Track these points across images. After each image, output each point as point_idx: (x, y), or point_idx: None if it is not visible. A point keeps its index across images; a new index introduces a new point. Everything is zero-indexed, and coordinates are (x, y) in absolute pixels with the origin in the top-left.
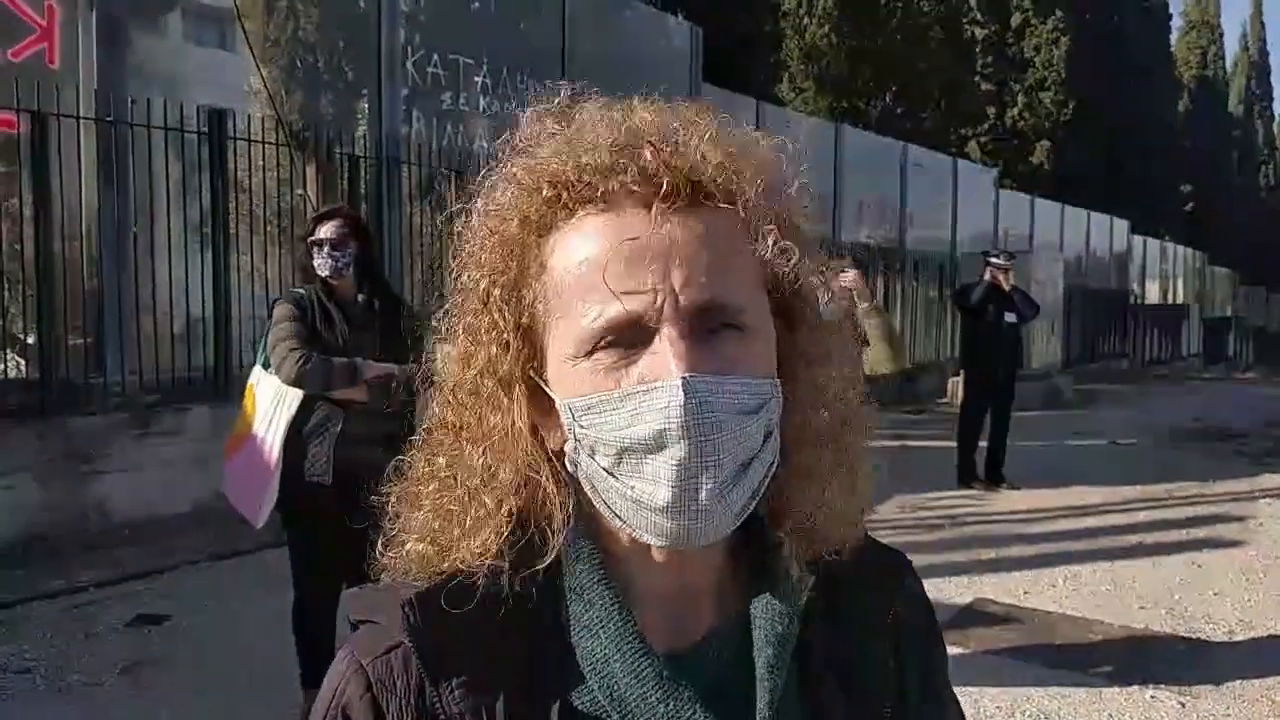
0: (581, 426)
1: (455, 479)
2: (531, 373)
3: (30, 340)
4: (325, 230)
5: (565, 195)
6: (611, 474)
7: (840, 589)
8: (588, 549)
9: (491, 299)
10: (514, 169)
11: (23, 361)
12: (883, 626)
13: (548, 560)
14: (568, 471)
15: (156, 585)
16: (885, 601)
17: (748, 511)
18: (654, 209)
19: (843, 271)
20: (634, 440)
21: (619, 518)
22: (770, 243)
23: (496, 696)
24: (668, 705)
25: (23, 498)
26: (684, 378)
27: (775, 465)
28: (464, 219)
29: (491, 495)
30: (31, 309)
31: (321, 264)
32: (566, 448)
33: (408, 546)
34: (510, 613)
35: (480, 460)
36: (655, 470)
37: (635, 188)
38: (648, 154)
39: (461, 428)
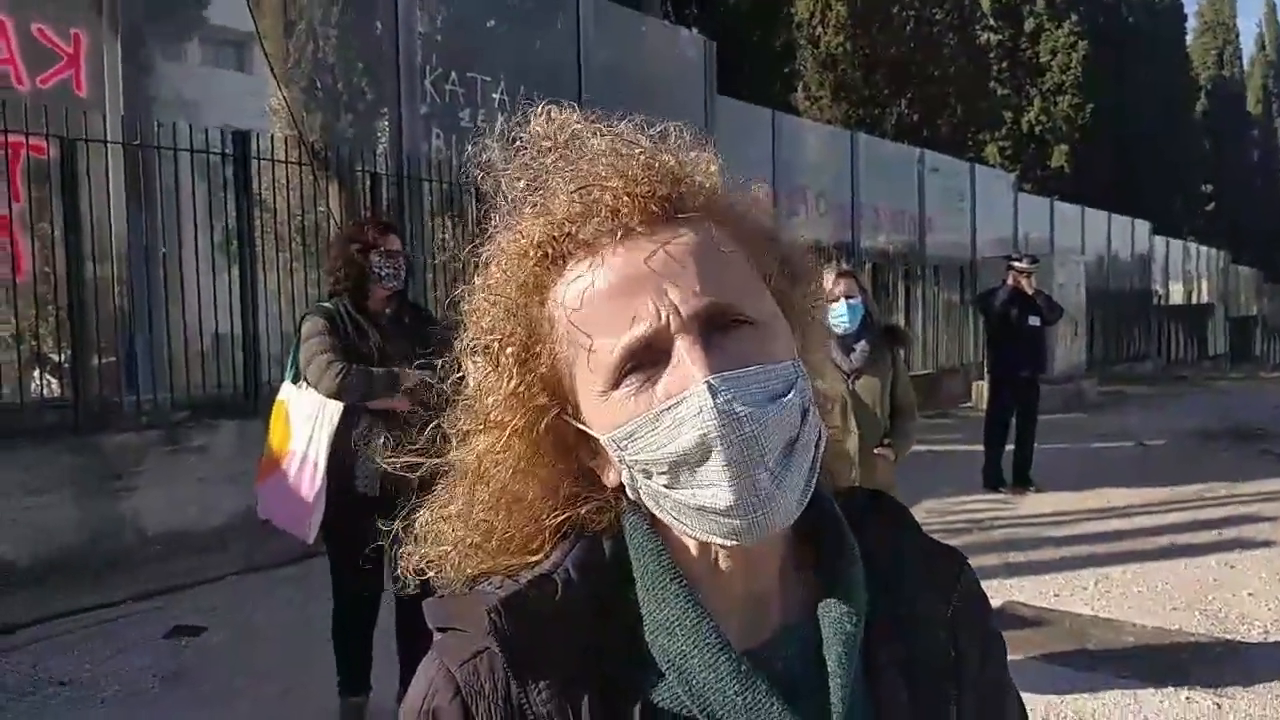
0: (629, 454)
1: (489, 503)
2: (568, 419)
3: (62, 360)
4: (394, 243)
5: (551, 252)
6: (670, 489)
7: (901, 585)
8: (655, 550)
9: (503, 360)
10: (502, 241)
11: (55, 381)
12: (943, 620)
13: (612, 566)
14: (628, 498)
15: (190, 599)
16: (944, 596)
17: (810, 491)
18: (632, 238)
19: (833, 271)
20: (680, 453)
21: (687, 526)
22: (748, 237)
23: (581, 696)
24: (745, 698)
25: (56, 515)
26: (707, 381)
27: (824, 442)
28: (467, 295)
29: (528, 518)
30: (64, 330)
31: (391, 274)
32: (623, 477)
33: (450, 559)
34: (586, 615)
35: (503, 497)
36: (710, 476)
37: (610, 224)
38: (608, 195)
39: (482, 473)
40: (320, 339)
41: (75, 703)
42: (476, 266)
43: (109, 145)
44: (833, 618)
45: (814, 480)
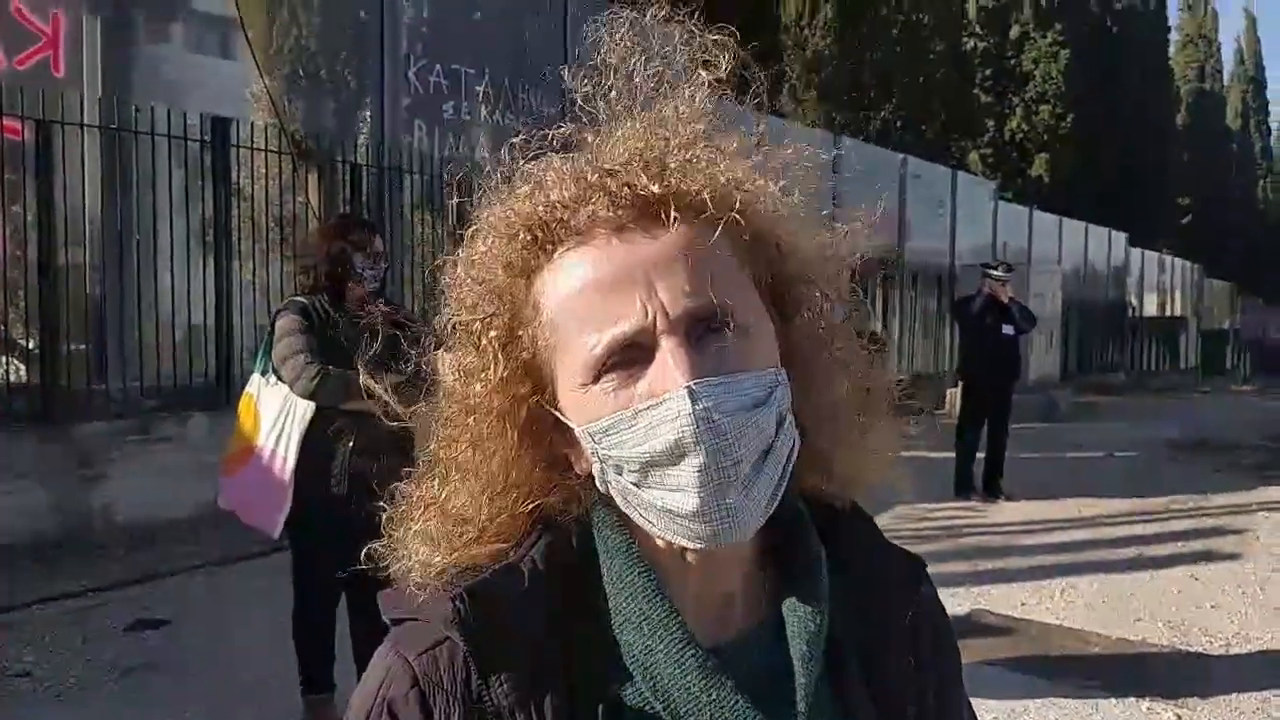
0: (603, 448)
1: (467, 491)
2: (545, 405)
3: (32, 346)
4: (379, 244)
5: (541, 236)
6: (639, 488)
7: (867, 588)
8: (623, 544)
9: (485, 343)
10: (490, 217)
11: (23, 367)
12: (902, 627)
13: (579, 559)
14: (598, 490)
15: (156, 591)
16: (905, 603)
17: (776, 500)
18: (626, 232)
19: None
20: (654, 454)
21: (653, 525)
22: (744, 240)
23: (544, 690)
24: (710, 695)
25: (24, 502)
26: (688, 386)
27: (795, 450)
28: (449, 269)
29: (502, 506)
30: (34, 315)
31: (374, 274)
32: (594, 469)
33: (417, 550)
34: (552, 608)
35: (485, 485)
36: (679, 480)
37: (605, 214)
38: (611, 182)
39: (464, 460)
40: (297, 337)
41: (32, 695)
42: (460, 240)
43: (85, 128)
44: (798, 616)
45: (783, 488)
